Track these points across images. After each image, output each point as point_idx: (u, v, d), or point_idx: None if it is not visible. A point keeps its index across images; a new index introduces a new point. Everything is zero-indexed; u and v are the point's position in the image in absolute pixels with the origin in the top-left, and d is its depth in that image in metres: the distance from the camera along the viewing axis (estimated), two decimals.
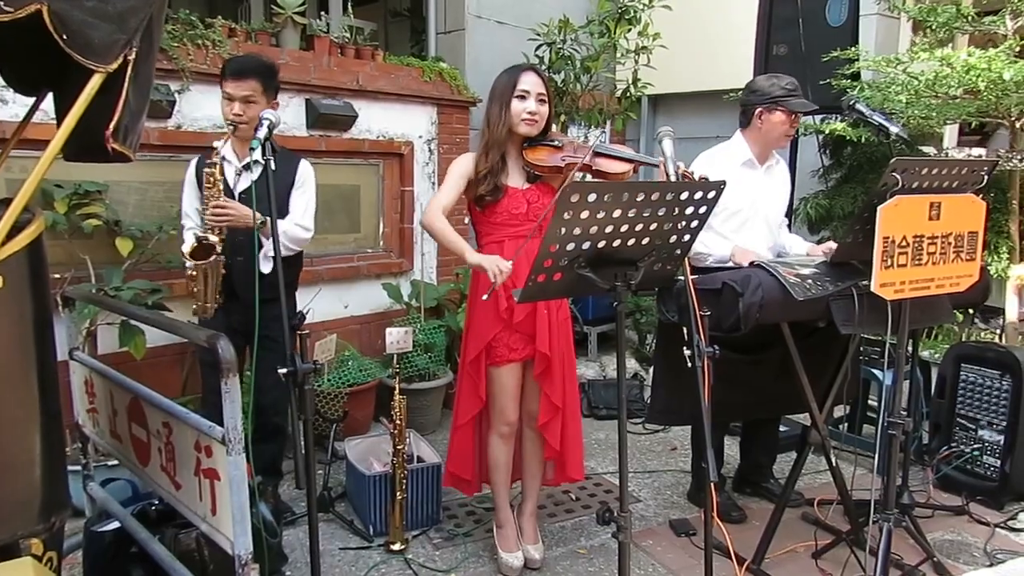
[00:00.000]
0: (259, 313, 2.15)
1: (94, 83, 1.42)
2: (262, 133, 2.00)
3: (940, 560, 2.61)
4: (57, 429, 1.60)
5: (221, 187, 2.55)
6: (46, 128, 2.46)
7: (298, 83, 3.61)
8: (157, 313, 2.65)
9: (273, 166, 2.03)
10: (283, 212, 2.73)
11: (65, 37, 1.35)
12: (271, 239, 2.15)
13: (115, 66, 1.44)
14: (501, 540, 2.64)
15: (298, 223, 2.73)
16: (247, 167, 2.62)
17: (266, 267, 2.59)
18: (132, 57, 1.47)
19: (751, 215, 2.84)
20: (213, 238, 2.52)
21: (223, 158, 2.67)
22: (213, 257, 2.52)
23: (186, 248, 2.55)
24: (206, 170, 2.56)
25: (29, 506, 1.50)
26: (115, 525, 2.16)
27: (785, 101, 2.74)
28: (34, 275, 1.50)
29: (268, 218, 2.72)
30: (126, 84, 1.47)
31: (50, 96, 1.74)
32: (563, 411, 2.53)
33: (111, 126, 1.48)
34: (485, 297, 2.24)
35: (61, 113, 1.64)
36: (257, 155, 2.00)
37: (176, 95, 3.19)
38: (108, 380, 2.14)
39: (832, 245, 2.73)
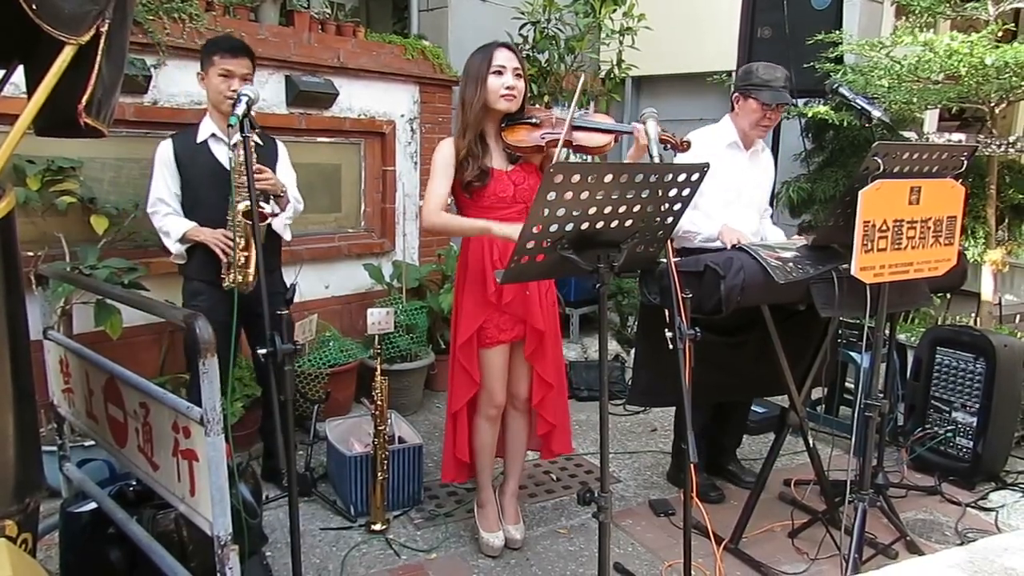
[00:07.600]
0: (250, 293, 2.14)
1: (65, 55, 1.38)
2: (240, 110, 1.98)
3: (913, 539, 2.66)
4: (30, 409, 1.57)
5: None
6: (16, 102, 2.40)
7: (278, 59, 3.54)
8: (134, 292, 2.61)
9: (260, 141, 2.01)
10: None
11: (35, 7, 1.31)
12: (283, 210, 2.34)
13: (87, 37, 1.40)
14: (482, 520, 2.65)
15: (297, 197, 2.90)
16: (236, 145, 2.60)
17: (287, 235, 2.87)
18: (104, 29, 1.42)
19: (736, 196, 2.85)
20: (267, 207, 2.55)
21: (212, 135, 2.68)
22: (268, 220, 2.59)
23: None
24: (243, 139, 2.51)
25: (2, 487, 1.48)
26: (92, 506, 2.14)
27: (757, 91, 2.73)
28: (5, 252, 1.46)
29: (285, 186, 2.78)
30: (99, 56, 1.43)
31: (20, 68, 1.69)
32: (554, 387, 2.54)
33: (83, 100, 1.44)
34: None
35: (32, 86, 1.59)
36: (236, 136, 1.98)
37: (152, 70, 3.12)
38: (84, 360, 2.10)
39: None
